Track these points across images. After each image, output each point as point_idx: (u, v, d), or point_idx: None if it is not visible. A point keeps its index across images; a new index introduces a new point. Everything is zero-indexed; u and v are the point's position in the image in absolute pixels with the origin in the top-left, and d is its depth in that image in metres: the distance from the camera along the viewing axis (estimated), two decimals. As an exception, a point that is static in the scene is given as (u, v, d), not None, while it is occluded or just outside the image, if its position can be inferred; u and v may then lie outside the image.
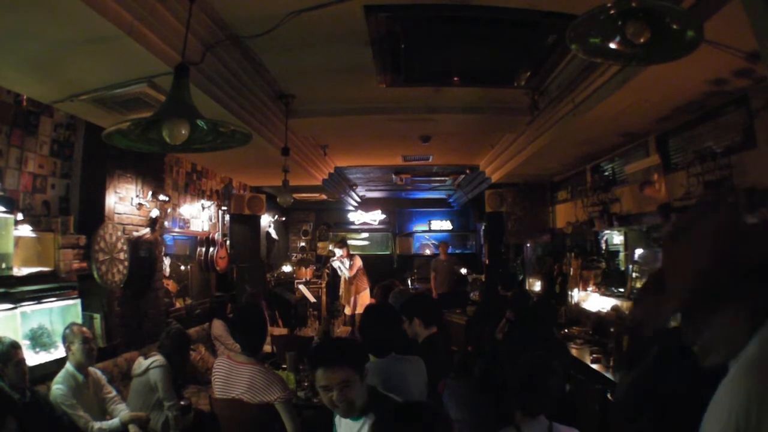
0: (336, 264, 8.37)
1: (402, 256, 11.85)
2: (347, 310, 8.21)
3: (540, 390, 2.00)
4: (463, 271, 9.79)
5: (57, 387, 2.96)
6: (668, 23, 1.70)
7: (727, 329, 1.06)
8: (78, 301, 3.64)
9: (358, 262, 8.23)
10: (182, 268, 5.98)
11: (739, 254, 1.03)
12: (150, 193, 4.64)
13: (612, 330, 4.40)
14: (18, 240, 3.15)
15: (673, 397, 1.76)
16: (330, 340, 3.87)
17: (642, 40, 1.71)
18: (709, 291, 1.06)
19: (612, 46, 1.81)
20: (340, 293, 8.65)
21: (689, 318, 1.11)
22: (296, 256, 10.58)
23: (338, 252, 8.34)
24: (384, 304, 3.64)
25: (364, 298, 7.93)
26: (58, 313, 3.50)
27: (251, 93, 3.87)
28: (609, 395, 3.44)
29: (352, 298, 8.10)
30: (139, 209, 4.48)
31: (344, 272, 8.22)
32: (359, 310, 7.62)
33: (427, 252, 11.83)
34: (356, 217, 11.98)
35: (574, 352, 4.35)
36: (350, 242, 10.98)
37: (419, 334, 3.16)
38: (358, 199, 11.31)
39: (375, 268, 9.28)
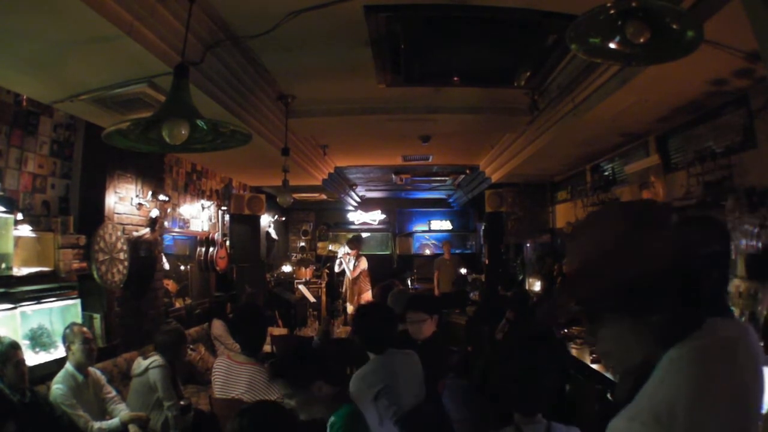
0: (339, 260, 8.44)
1: (402, 256, 11.84)
2: (349, 309, 8.25)
3: (532, 391, 2.00)
4: (463, 271, 9.81)
5: (57, 387, 2.96)
6: (668, 23, 1.70)
7: (622, 339, 0.95)
8: (78, 301, 3.63)
9: (363, 264, 8.33)
10: (182, 268, 5.98)
11: (630, 262, 0.93)
12: (150, 193, 4.64)
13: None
14: (18, 240, 3.15)
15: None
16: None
17: (642, 40, 1.71)
18: (599, 296, 0.97)
19: (612, 46, 1.81)
20: (343, 290, 8.68)
21: (589, 319, 1.02)
22: (296, 256, 10.58)
23: (347, 249, 8.43)
24: (377, 302, 3.64)
25: (366, 299, 7.99)
26: (58, 313, 3.50)
27: (251, 93, 3.87)
28: (609, 395, 3.43)
29: (355, 298, 8.17)
30: (138, 209, 4.48)
31: (347, 271, 8.29)
32: None
33: (427, 252, 11.83)
34: (356, 217, 11.97)
35: (574, 352, 4.34)
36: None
37: (426, 333, 3.15)
38: (358, 199, 11.31)
39: (375, 268, 9.29)
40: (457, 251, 11.34)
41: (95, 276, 3.74)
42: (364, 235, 11.92)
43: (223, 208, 6.78)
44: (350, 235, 9.50)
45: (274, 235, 9.22)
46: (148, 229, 4.58)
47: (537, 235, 7.20)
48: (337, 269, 8.79)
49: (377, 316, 2.71)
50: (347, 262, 8.33)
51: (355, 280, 8.24)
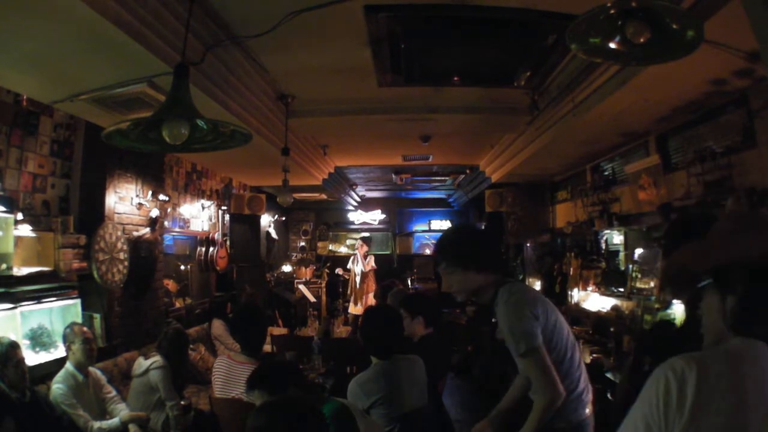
0: (354, 254, 8.70)
1: (402, 256, 11.84)
2: (354, 310, 8.27)
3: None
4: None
5: (57, 387, 2.96)
6: (668, 23, 1.70)
7: (710, 312, 1.07)
8: (78, 301, 3.64)
9: (373, 261, 8.52)
10: (182, 267, 5.98)
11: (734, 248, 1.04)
12: (150, 192, 4.64)
13: (612, 330, 4.40)
14: (18, 240, 3.15)
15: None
16: None
17: (642, 40, 1.71)
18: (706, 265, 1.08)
19: (612, 46, 1.81)
20: (349, 292, 8.73)
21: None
22: (296, 256, 10.58)
23: (357, 245, 8.78)
24: (385, 306, 3.63)
25: (371, 299, 8.04)
26: (58, 313, 3.50)
27: (251, 93, 3.87)
28: (609, 395, 3.43)
29: (363, 298, 8.22)
30: (139, 209, 4.48)
31: (360, 265, 8.41)
32: None
33: (427, 252, 11.83)
34: (356, 216, 11.97)
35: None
36: (350, 241, 11.14)
37: (417, 332, 3.15)
38: (358, 199, 11.31)
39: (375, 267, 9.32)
40: (457, 251, 11.32)
41: (95, 276, 3.74)
42: (364, 234, 11.96)
43: (223, 207, 6.79)
44: (351, 235, 9.64)
45: (274, 235, 9.22)
46: (148, 229, 4.58)
47: (537, 235, 7.20)
48: (350, 266, 8.89)
49: (385, 322, 2.66)
50: (361, 258, 8.51)
51: (364, 278, 8.33)
